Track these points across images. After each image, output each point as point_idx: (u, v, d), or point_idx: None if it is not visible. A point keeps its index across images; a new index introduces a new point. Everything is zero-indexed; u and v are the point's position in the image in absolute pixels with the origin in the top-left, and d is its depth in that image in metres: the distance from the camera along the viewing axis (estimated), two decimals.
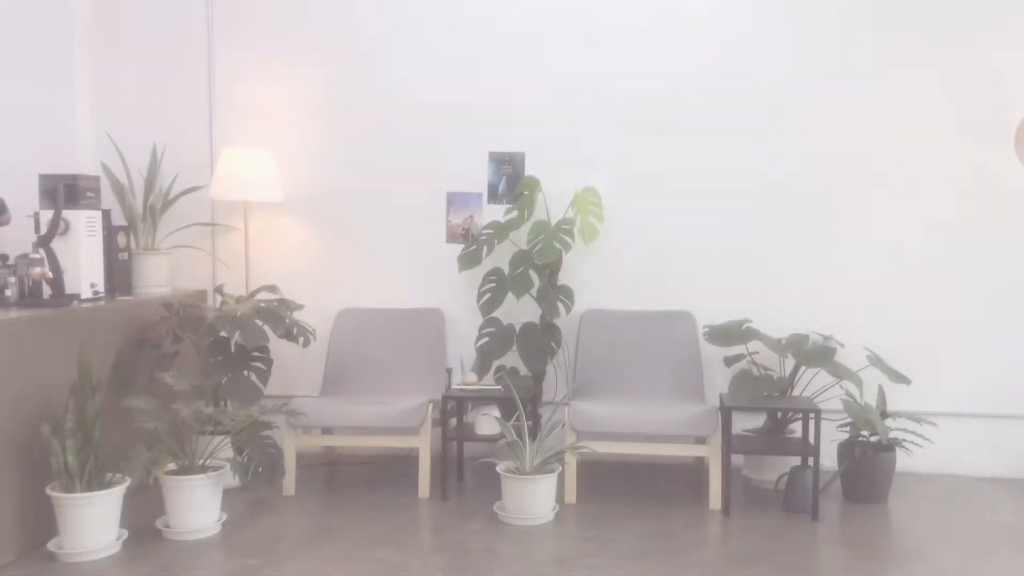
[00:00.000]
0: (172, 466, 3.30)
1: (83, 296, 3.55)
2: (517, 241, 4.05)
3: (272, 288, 3.95)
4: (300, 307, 3.88)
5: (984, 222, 3.97)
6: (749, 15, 4.05)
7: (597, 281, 4.20)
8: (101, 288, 3.66)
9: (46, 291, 3.42)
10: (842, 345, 3.95)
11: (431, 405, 3.70)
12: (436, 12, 4.21)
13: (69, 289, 3.50)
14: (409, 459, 4.24)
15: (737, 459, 3.98)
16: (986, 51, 3.93)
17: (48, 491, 3.03)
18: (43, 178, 3.58)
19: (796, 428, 3.85)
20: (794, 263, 4.09)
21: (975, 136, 3.95)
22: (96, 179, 3.72)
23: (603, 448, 3.61)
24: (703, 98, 4.10)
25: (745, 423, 3.97)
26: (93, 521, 3.02)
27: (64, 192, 3.51)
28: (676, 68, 4.10)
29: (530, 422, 3.60)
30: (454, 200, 4.29)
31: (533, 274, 3.95)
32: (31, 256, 3.37)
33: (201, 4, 4.32)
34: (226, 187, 4.04)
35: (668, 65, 4.11)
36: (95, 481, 3.06)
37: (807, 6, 4.01)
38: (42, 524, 3.12)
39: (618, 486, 3.88)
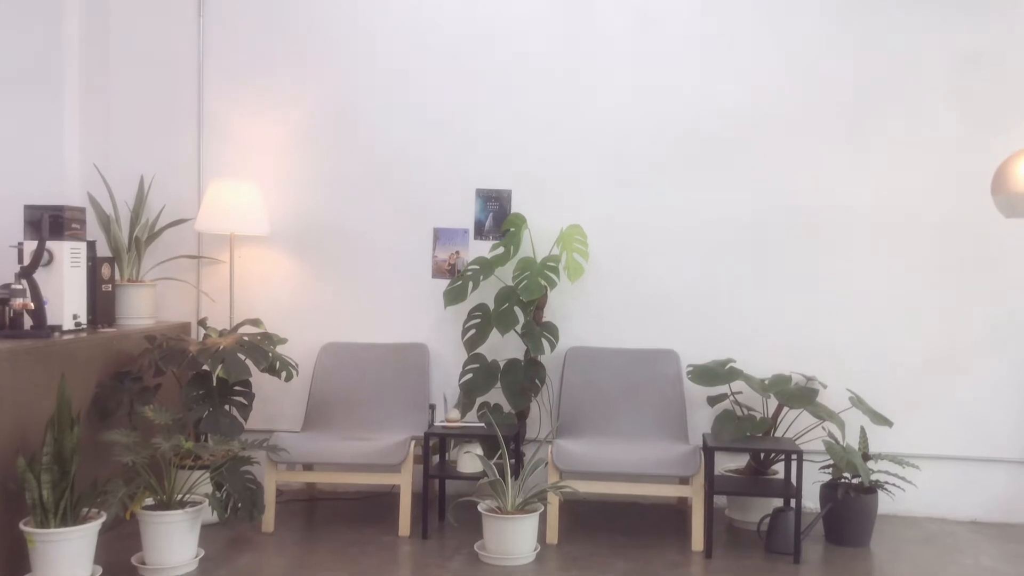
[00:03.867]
0: (149, 501, 3.26)
1: (65, 327, 3.53)
2: (503, 277, 4.06)
3: (256, 322, 3.94)
4: (283, 341, 3.88)
5: (964, 266, 4.01)
6: (732, 61, 4.11)
7: (582, 318, 4.21)
8: (83, 320, 3.64)
9: (27, 322, 3.40)
10: (825, 386, 3.97)
11: (413, 442, 3.68)
12: (425, 51, 4.26)
13: (51, 320, 3.48)
14: (390, 496, 4.20)
15: (720, 499, 3.97)
16: (964, 100, 3.99)
17: (22, 526, 2.98)
18: (28, 209, 3.57)
19: (779, 469, 3.85)
20: (778, 304, 4.12)
21: (955, 182, 4.00)
22: (82, 210, 3.72)
23: (586, 488, 3.59)
24: (688, 141, 4.15)
25: (728, 463, 3.96)
26: (67, 557, 2.97)
27: (49, 223, 3.50)
28: (661, 111, 4.15)
29: (513, 460, 3.59)
30: (441, 236, 4.30)
31: (518, 310, 3.95)
32: (13, 287, 3.35)
33: (192, 39, 4.36)
34: (213, 220, 4.05)
35: (653, 107, 4.16)
36: (70, 516, 3.02)
37: (789, 53, 4.08)
38: (15, 560, 3.07)
39: (600, 526, 3.85)
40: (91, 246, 3.79)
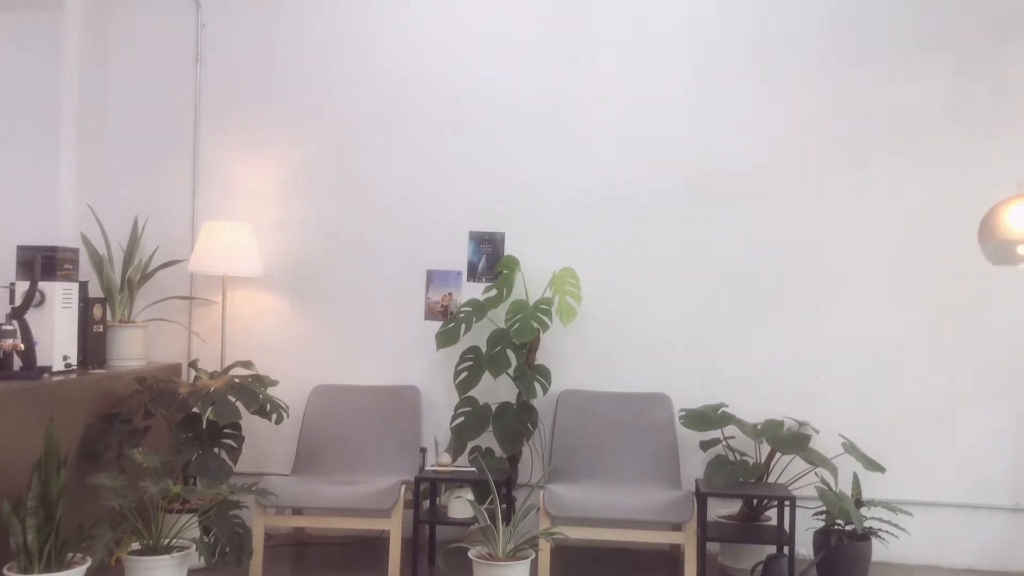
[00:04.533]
0: (136, 546, 3.22)
1: (55, 368, 3.51)
2: (496, 320, 4.06)
3: (247, 363, 3.92)
4: (275, 383, 3.86)
5: (955, 313, 4.03)
6: (725, 109, 4.16)
7: (574, 361, 4.21)
8: (74, 361, 3.63)
9: (17, 363, 3.38)
10: (817, 432, 3.96)
11: (404, 486, 3.65)
12: (420, 96, 4.30)
13: (41, 361, 3.47)
14: (380, 541, 4.15)
15: (713, 546, 3.93)
16: (953, 149, 4.04)
17: (5, 571, 2.94)
18: (21, 249, 3.58)
19: (772, 515, 3.82)
20: (770, 348, 4.12)
21: (944, 228, 4.04)
22: (75, 251, 3.73)
23: (577, 534, 3.56)
24: (680, 184, 4.19)
25: (720, 509, 3.94)
26: None
27: (41, 264, 3.50)
28: (653, 155, 4.19)
29: (504, 505, 3.56)
30: (434, 277, 4.31)
31: (511, 353, 3.95)
32: (3, 327, 3.34)
33: (189, 82, 4.40)
34: (206, 261, 4.05)
35: (645, 152, 4.20)
36: (55, 561, 2.98)
37: (781, 100, 4.13)
38: None
39: (593, 572, 3.81)
40: (83, 287, 3.78)
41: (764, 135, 4.14)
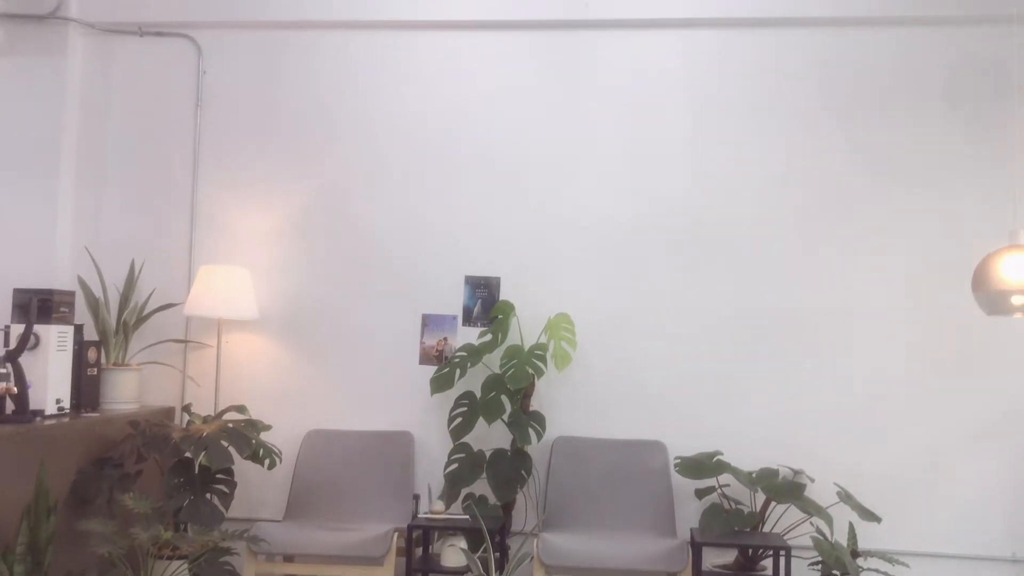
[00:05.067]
0: None
1: (47, 412, 3.50)
2: (490, 365, 4.06)
3: (240, 408, 3.91)
4: (268, 428, 3.85)
5: (950, 362, 4.03)
6: (721, 160, 4.21)
7: (569, 408, 4.20)
8: (67, 404, 3.62)
9: (9, 406, 3.37)
10: (812, 480, 3.94)
11: (396, 534, 3.62)
12: (416, 141, 4.35)
13: (34, 404, 3.46)
14: None
15: None
16: (945, 199, 4.08)
17: None
18: (17, 292, 3.59)
19: (768, 565, 3.79)
20: (765, 396, 4.12)
21: (939, 278, 4.06)
22: (71, 294, 3.74)
23: None
24: (676, 232, 4.21)
25: (716, 558, 3.90)
26: None
27: (37, 306, 3.51)
28: (649, 203, 4.23)
29: (498, 554, 3.53)
30: (429, 322, 4.32)
31: (505, 399, 3.94)
32: None
33: (190, 127, 4.44)
34: (202, 304, 4.06)
35: (642, 200, 4.23)
36: None
37: (775, 154, 4.18)
38: None
39: None
40: (78, 330, 3.78)
41: (759, 185, 4.18)
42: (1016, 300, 3.30)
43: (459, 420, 3.97)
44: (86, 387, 3.83)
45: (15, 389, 3.33)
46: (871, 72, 4.15)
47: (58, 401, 3.57)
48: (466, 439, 3.98)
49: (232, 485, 3.72)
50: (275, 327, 4.34)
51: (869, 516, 3.67)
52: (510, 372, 3.88)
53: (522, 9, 4.27)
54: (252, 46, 4.44)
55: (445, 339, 4.30)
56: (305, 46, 4.42)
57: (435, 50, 4.37)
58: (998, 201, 4.06)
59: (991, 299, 3.32)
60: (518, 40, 4.33)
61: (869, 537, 3.92)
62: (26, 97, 4.32)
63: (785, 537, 3.69)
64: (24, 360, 3.42)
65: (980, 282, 3.35)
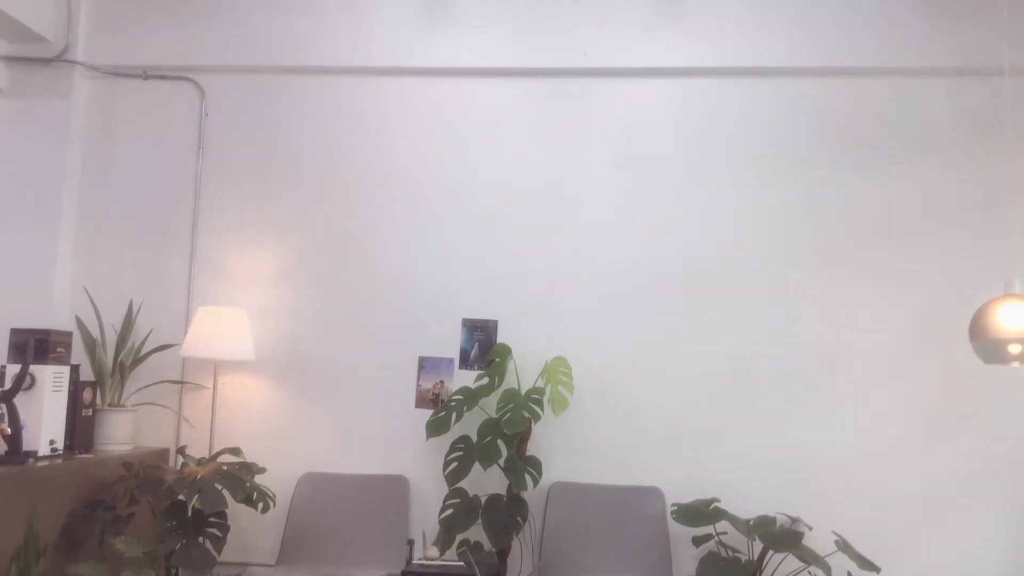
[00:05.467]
0: None
1: (40, 453, 3.48)
2: (487, 408, 4.05)
3: (235, 450, 3.89)
4: (262, 470, 3.82)
5: (949, 410, 4.02)
6: (717, 200, 4.24)
7: (566, 452, 4.18)
8: (60, 445, 3.60)
9: (2, 447, 3.35)
10: (810, 528, 3.90)
11: None
12: (414, 184, 4.38)
13: (28, 446, 3.44)
14: None
15: None
16: (944, 245, 4.10)
17: None
18: (14, 332, 3.59)
19: None
20: (763, 443, 4.10)
21: (936, 326, 4.07)
22: (68, 334, 3.74)
23: None
24: (672, 279, 4.23)
25: None
26: None
27: (34, 347, 3.51)
28: (645, 249, 4.25)
29: None
30: (426, 365, 4.31)
31: (501, 444, 3.92)
32: None
33: (191, 170, 4.48)
34: (199, 346, 4.05)
35: (638, 245, 4.26)
36: None
37: (774, 194, 4.21)
38: None
39: None
40: (74, 370, 3.78)
41: (755, 233, 4.21)
42: (1013, 349, 3.30)
43: (455, 465, 3.94)
44: (80, 428, 3.82)
45: (8, 430, 3.32)
46: (865, 121, 4.20)
47: (51, 442, 3.55)
48: (462, 484, 3.94)
49: (225, 529, 3.69)
50: (271, 369, 4.34)
51: (868, 565, 3.63)
52: (507, 416, 3.87)
53: (522, 57, 4.33)
54: (254, 90, 4.50)
55: (442, 382, 4.29)
56: (305, 91, 4.48)
57: (434, 96, 4.42)
58: (994, 250, 4.08)
59: (988, 348, 3.32)
60: (518, 87, 4.38)
61: None
62: (30, 138, 4.37)
63: None
64: (19, 400, 3.42)
65: (977, 331, 3.36)
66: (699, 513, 3.77)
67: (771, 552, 3.75)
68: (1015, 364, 3.36)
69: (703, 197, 4.25)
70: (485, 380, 4.07)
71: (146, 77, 4.53)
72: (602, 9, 4.32)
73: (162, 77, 4.53)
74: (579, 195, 4.31)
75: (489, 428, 3.93)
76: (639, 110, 4.32)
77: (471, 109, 4.40)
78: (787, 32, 4.21)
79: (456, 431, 4.02)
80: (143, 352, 4.21)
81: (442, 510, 3.92)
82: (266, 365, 4.34)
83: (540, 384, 4.06)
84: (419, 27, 4.39)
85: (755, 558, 3.77)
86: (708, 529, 3.85)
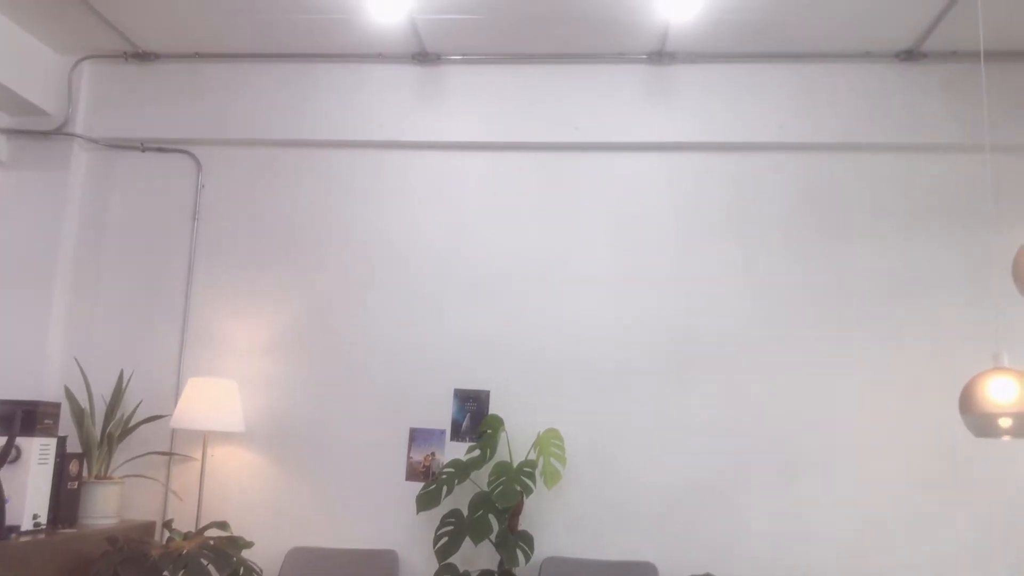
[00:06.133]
0: None
1: (23, 527, 3.42)
2: (478, 481, 4.01)
3: (222, 524, 3.83)
4: (249, 545, 3.76)
5: (942, 482, 4.00)
6: (711, 273, 4.28)
7: (558, 526, 4.12)
8: (44, 520, 3.54)
9: None
10: None
11: None
12: (405, 255, 4.42)
13: (11, 520, 3.39)
14: None
15: None
16: (934, 316, 4.13)
17: None
18: (2, 404, 3.56)
19: None
20: (757, 516, 4.05)
21: (929, 396, 4.07)
22: (57, 406, 3.71)
23: None
24: (664, 349, 4.24)
25: None
26: None
27: (21, 419, 3.48)
28: (637, 320, 4.27)
29: None
30: (416, 436, 4.28)
31: (493, 518, 3.87)
32: None
33: (186, 240, 4.51)
34: (188, 417, 4.03)
35: (630, 317, 4.28)
36: None
37: (761, 269, 4.25)
38: None
39: None
40: (61, 442, 3.74)
41: (745, 303, 4.24)
42: (1004, 422, 3.30)
43: (445, 539, 3.89)
44: (65, 501, 3.76)
45: None
46: (853, 194, 4.27)
47: (35, 517, 3.49)
48: (452, 559, 3.88)
49: None
50: (261, 440, 4.30)
51: None
52: (498, 490, 3.83)
53: (514, 131, 4.41)
54: (249, 162, 4.56)
55: (432, 454, 4.25)
56: (300, 163, 4.55)
57: (428, 168, 4.49)
58: (982, 321, 4.11)
59: (979, 422, 3.32)
60: (510, 160, 4.46)
61: None
62: (26, 210, 4.41)
63: None
64: (4, 473, 3.38)
65: (967, 405, 3.36)
66: None
67: None
68: (1006, 438, 3.36)
69: (694, 268, 4.29)
70: (476, 452, 4.04)
71: (144, 149, 4.60)
72: (593, 84, 4.42)
73: (159, 149, 4.60)
74: (571, 266, 4.34)
75: (480, 502, 3.89)
76: (630, 183, 4.39)
77: (464, 181, 4.46)
78: (775, 108, 4.31)
79: (447, 504, 3.97)
80: (132, 423, 4.18)
81: None
82: (255, 436, 4.30)
83: (532, 456, 4.03)
84: (414, 101, 4.49)
85: None
86: None
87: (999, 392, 3.31)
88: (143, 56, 4.58)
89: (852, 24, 4.05)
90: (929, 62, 4.27)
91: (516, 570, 3.85)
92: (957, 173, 4.24)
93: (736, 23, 4.07)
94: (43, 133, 4.47)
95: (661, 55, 4.37)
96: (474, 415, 4.28)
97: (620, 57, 4.40)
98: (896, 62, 4.29)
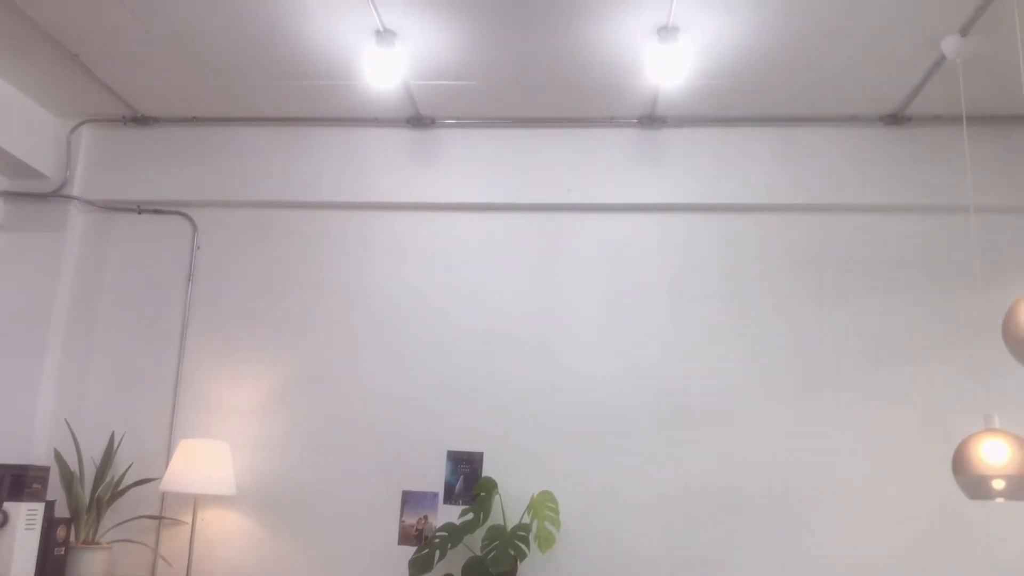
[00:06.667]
0: None
1: None
2: (472, 545, 3.96)
3: None
4: None
5: (942, 542, 3.96)
6: (698, 334, 4.29)
7: None
8: None
9: None
10: None
11: None
12: (400, 317, 4.43)
13: None
14: None
15: None
16: (924, 376, 4.15)
17: None
18: None
19: None
20: (751, 573, 4.02)
21: (921, 456, 4.05)
22: (46, 470, 3.69)
23: None
24: (658, 409, 4.23)
25: None
26: None
27: (9, 484, 3.45)
28: (631, 380, 4.27)
29: None
30: (409, 499, 4.24)
31: None
32: None
33: (179, 304, 4.52)
34: (179, 480, 3.99)
35: (623, 377, 4.28)
36: None
37: (753, 327, 4.27)
38: None
39: None
40: (50, 506, 3.71)
41: (736, 362, 4.25)
42: (997, 484, 3.29)
43: None
44: (52, 567, 3.71)
45: None
46: (841, 255, 4.31)
47: None
48: None
49: None
50: (252, 503, 4.25)
51: None
52: (492, 555, 3.78)
53: (507, 193, 4.47)
54: (246, 223, 4.60)
55: (425, 517, 4.21)
56: (295, 224, 4.58)
57: (420, 230, 4.53)
58: (972, 381, 4.12)
59: (972, 483, 3.31)
60: (501, 222, 4.50)
61: None
62: (22, 271, 4.42)
63: None
64: None
65: (960, 467, 3.35)
66: None
67: None
68: (1000, 499, 3.35)
69: (684, 329, 4.31)
70: (470, 516, 3.99)
71: (140, 211, 4.64)
72: (585, 147, 4.49)
73: (156, 211, 4.64)
74: (564, 327, 4.36)
75: (474, 567, 3.83)
76: (622, 243, 4.43)
77: (457, 243, 4.50)
78: (764, 169, 4.38)
79: (440, 569, 3.92)
80: (122, 486, 4.14)
81: None
82: (247, 499, 4.26)
83: (526, 519, 3.99)
84: (408, 163, 4.55)
85: None
86: None
87: (992, 454, 3.31)
88: (142, 120, 4.65)
89: (837, 88, 4.14)
90: (913, 126, 4.36)
91: None
92: (942, 234, 4.29)
93: (724, 88, 4.16)
94: (40, 195, 4.51)
95: (651, 119, 4.46)
96: (467, 477, 4.25)
97: (611, 121, 4.49)
98: (881, 125, 4.38)
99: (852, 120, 4.38)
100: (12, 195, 4.51)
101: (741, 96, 4.22)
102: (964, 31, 3.61)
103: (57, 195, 4.52)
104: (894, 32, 3.67)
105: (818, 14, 3.56)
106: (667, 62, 3.81)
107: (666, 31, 3.68)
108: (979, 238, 4.27)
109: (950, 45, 3.69)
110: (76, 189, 4.57)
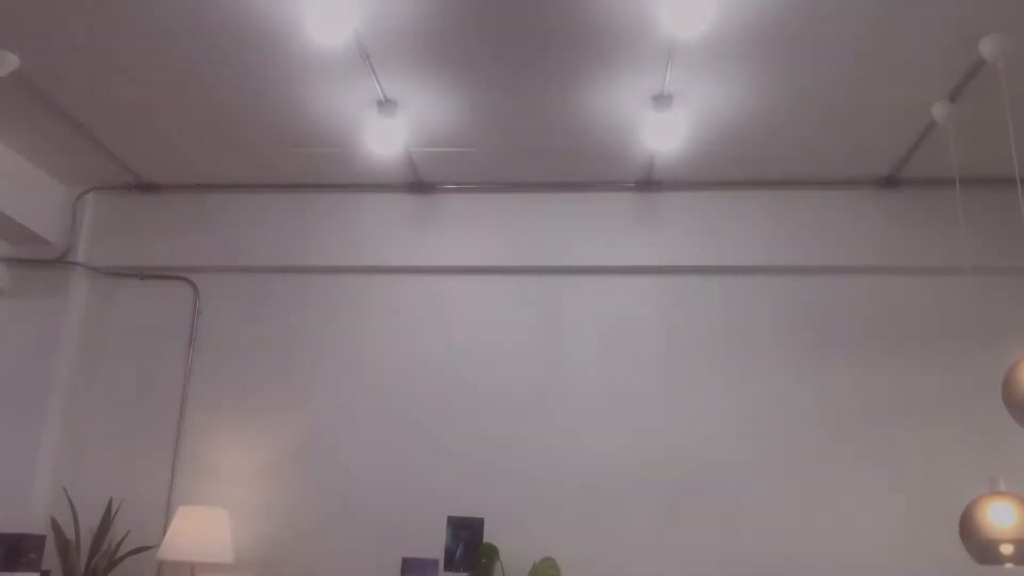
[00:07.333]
0: None
1: None
2: None
3: None
4: None
5: None
6: (699, 397, 4.27)
7: None
8: None
9: None
10: None
11: None
12: (401, 383, 4.42)
13: None
14: None
15: None
16: (927, 438, 4.12)
17: None
18: None
19: None
20: None
21: (929, 520, 4.00)
22: (42, 539, 3.65)
23: None
24: (660, 473, 4.19)
25: None
26: None
27: (5, 554, 3.41)
28: (632, 445, 4.24)
29: None
30: (409, 567, 4.18)
31: None
32: None
33: (180, 365, 4.52)
34: (177, 548, 3.93)
35: (624, 442, 4.25)
36: None
37: (755, 388, 4.26)
38: None
39: None
40: None
41: (738, 424, 4.22)
42: (1005, 549, 3.25)
43: None
44: None
45: None
46: (840, 316, 4.32)
47: None
48: None
49: None
50: (250, 571, 4.19)
51: None
52: None
53: (507, 256, 4.50)
54: (248, 288, 4.63)
55: None
56: (296, 288, 4.61)
57: (421, 294, 4.55)
58: (977, 443, 4.09)
59: (980, 548, 3.27)
60: (501, 285, 4.53)
61: None
62: (24, 337, 4.44)
63: None
64: None
65: (967, 532, 3.31)
66: None
67: None
68: (1008, 565, 3.30)
69: (686, 391, 4.29)
70: None
71: (143, 277, 4.68)
72: (584, 211, 4.54)
73: (159, 277, 4.67)
74: (563, 390, 4.35)
75: None
76: (621, 306, 4.45)
77: (458, 305, 4.52)
78: (760, 232, 4.42)
79: None
80: (119, 555, 4.08)
81: None
82: (245, 567, 4.20)
83: None
84: (409, 228, 4.59)
85: None
86: None
87: (999, 518, 3.28)
88: (147, 187, 4.72)
89: (831, 153, 4.20)
90: (907, 188, 4.41)
91: None
92: (939, 295, 4.31)
93: (720, 154, 4.23)
94: (45, 261, 4.55)
95: (649, 183, 4.52)
96: (468, 543, 4.19)
97: (609, 185, 4.55)
98: (876, 188, 4.43)
99: (847, 183, 4.44)
100: (17, 261, 4.55)
101: (737, 160, 4.29)
102: (953, 97, 3.69)
103: (61, 261, 4.56)
104: (885, 98, 3.75)
105: (810, 80, 3.64)
106: (663, 129, 3.88)
107: (661, 99, 3.76)
108: (975, 298, 4.29)
109: (940, 111, 3.77)
110: (80, 255, 4.61)
